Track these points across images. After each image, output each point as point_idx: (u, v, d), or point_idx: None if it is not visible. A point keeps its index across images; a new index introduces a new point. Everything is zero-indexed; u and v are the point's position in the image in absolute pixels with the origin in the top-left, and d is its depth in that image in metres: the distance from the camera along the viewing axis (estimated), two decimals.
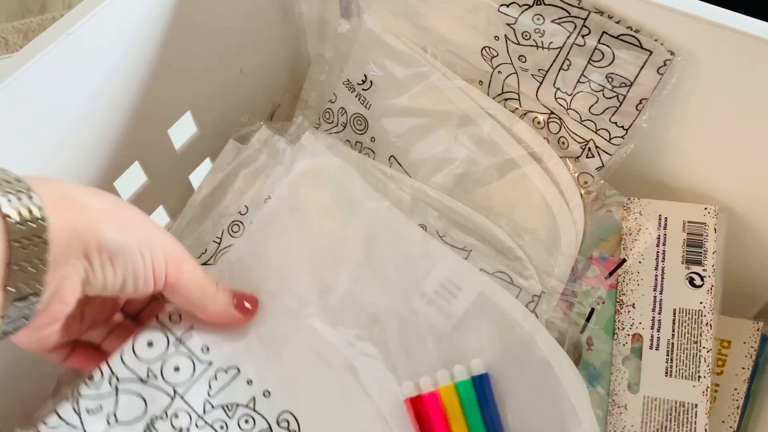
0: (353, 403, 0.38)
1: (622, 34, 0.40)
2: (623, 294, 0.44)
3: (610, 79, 0.41)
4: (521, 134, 0.46)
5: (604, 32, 0.40)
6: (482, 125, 0.47)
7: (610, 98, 0.42)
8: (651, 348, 0.43)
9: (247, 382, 0.38)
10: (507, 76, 0.46)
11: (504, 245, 0.45)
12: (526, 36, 0.43)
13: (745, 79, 0.38)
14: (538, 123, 0.46)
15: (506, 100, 0.47)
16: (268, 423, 0.37)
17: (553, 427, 0.37)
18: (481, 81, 0.48)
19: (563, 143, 0.46)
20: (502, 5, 0.42)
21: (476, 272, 0.41)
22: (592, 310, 0.44)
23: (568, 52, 0.42)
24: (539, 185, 0.45)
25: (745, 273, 0.47)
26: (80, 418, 0.35)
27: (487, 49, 0.45)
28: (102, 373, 0.36)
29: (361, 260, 0.42)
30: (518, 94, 0.46)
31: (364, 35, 0.51)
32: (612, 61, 0.40)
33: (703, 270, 0.43)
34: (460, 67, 0.48)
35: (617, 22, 0.40)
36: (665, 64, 0.39)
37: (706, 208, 0.44)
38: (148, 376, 0.36)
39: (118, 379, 0.36)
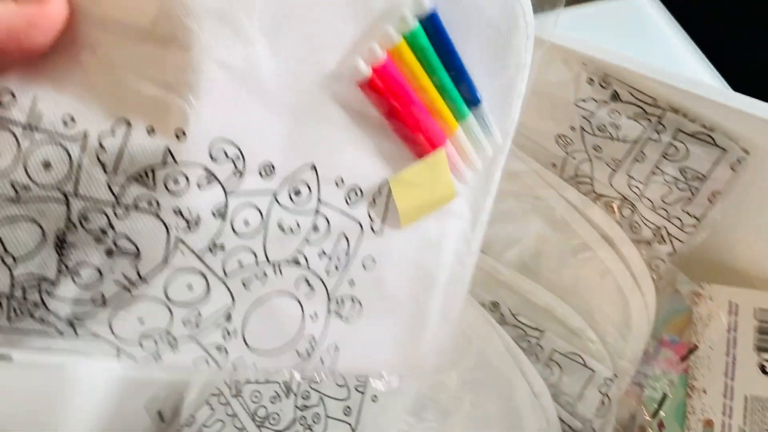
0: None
1: (697, 132, 0.41)
2: (694, 379, 0.45)
3: (683, 173, 0.43)
4: (594, 217, 0.48)
5: (679, 129, 0.42)
6: (555, 206, 0.49)
7: (683, 190, 0.43)
8: None
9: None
10: (581, 162, 0.48)
11: (576, 326, 0.46)
12: (601, 128, 0.45)
13: None
14: (611, 207, 0.48)
15: (579, 183, 0.49)
16: None
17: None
18: (554, 164, 0.50)
19: (635, 228, 0.47)
20: (579, 100, 0.44)
21: None
22: (665, 395, 0.45)
23: (643, 146, 0.44)
24: (612, 268, 0.46)
25: None
26: None
27: (562, 136, 0.47)
28: None
29: None
30: (591, 179, 0.48)
31: None
32: (686, 157, 0.42)
33: None
34: (534, 151, 0.50)
35: (692, 121, 0.41)
36: (739, 162, 0.41)
37: None
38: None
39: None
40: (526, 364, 0.45)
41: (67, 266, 0.26)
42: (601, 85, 0.43)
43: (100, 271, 0.27)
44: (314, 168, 0.30)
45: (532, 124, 0.48)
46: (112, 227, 0.26)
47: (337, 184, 0.31)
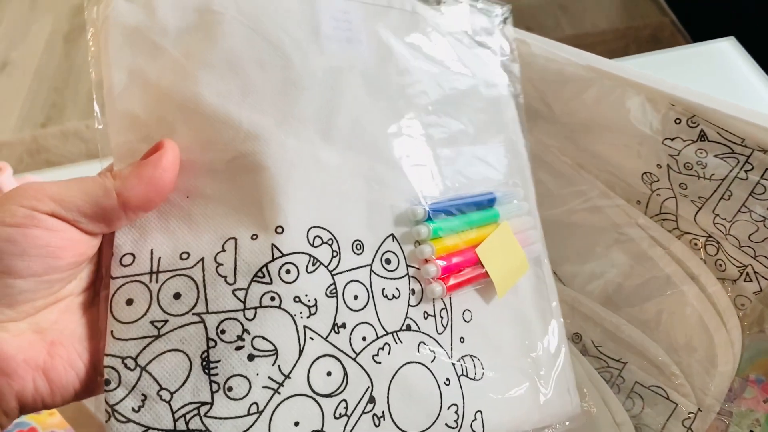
0: None
1: None
2: None
3: None
4: (678, 253, 0.49)
5: (767, 169, 0.43)
6: (639, 242, 0.50)
7: None
8: None
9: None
10: (665, 199, 0.49)
11: (659, 360, 0.47)
12: (688, 167, 0.46)
13: None
14: (695, 244, 0.49)
15: (663, 220, 0.50)
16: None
17: None
18: (639, 201, 0.51)
19: (720, 266, 0.48)
20: (666, 139, 0.46)
21: None
22: None
23: (730, 185, 0.45)
24: (696, 305, 0.47)
25: None
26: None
27: (648, 174, 0.49)
28: (112, 371, 0.28)
29: None
30: (676, 216, 0.49)
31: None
32: None
33: None
34: (619, 187, 0.51)
35: None
36: None
37: None
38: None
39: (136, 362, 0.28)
40: (609, 393, 0.46)
41: (218, 384, 0.28)
42: (689, 125, 0.45)
43: (248, 379, 0.28)
44: (394, 237, 0.35)
45: (618, 161, 0.50)
46: (247, 330, 0.29)
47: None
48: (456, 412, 0.34)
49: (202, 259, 0.30)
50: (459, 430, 0.34)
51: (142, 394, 0.27)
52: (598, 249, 0.52)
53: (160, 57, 0.32)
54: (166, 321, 0.29)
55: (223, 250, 0.30)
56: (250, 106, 0.32)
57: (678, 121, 0.45)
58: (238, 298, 0.29)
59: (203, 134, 0.31)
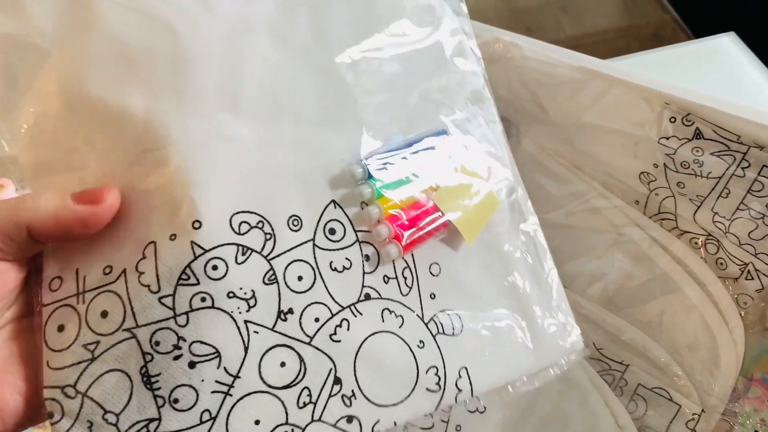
0: None
1: None
2: None
3: None
4: (678, 253, 0.48)
5: (764, 166, 0.42)
6: (639, 243, 0.49)
7: None
8: None
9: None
10: (664, 199, 0.49)
11: (661, 361, 0.46)
12: (684, 165, 0.46)
13: None
14: (696, 244, 0.48)
15: (663, 220, 0.50)
16: None
17: None
18: (637, 201, 0.51)
19: (721, 264, 0.47)
20: (662, 138, 0.46)
21: None
22: None
23: (727, 182, 0.44)
24: (698, 304, 0.47)
25: None
26: None
27: (645, 174, 0.48)
28: (53, 402, 0.27)
29: None
30: (675, 216, 0.49)
31: (521, 155, 0.56)
32: None
33: None
34: (617, 188, 0.51)
35: None
36: None
37: None
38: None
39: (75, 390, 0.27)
40: (611, 396, 0.46)
41: (162, 397, 0.27)
42: (684, 124, 0.45)
43: (193, 387, 0.27)
44: (335, 203, 0.31)
45: (615, 161, 0.50)
46: (182, 338, 0.27)
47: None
48: (437, 374, 0.31)
49: (124, 271, 0.28)
50: (443, 392, 0.31)
51: (88, 421, 0.26)
52: (598, 250, 0.51)
53: (47, 61, 0.29)
54: (98, 342, 0.27)
55: (144, 257, 0.28)
56: (143, 93, 0.29)
57: (673, 119, 0.45)
58: (166, 306, 0.27)
59: (105, 137, 0.29)
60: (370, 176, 0.32)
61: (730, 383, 0.45)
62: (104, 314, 0.27)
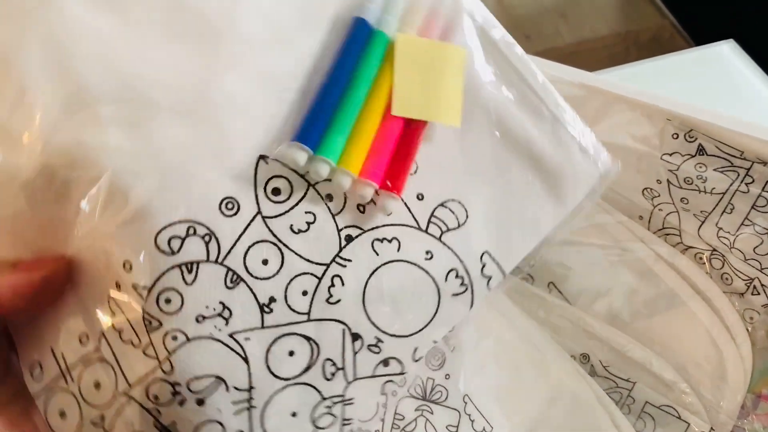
0: None
1: None
2: None
3: None
4: (683, 268, 0.48)
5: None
6: (644, 258, 0.49)
7: None
8: None
9: None
10: (668, 214, 0.48)
11: (668, 378, 0.46)
12: (688, 181, 0.45)
13: None
14: (700, 259, 0.48)
15: (667, 235, 0.49)
16: None
17: None
18: (641, 216, 0.50)
19: (727, 279, 0.47)
20: (664, 154, 0.45)
21: None
22: None
23: (731, 198, 0.44)
24: (704, 320, 0.46)
25: None
26: None
27: (648, 189, 0.48)
28: None
29: None
30: (679, 231, 0.49)
31: None
32: None
33: None
34: (620, 203, 0.51)
35: None
36: None
37: None
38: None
39: None
40: (618, 415, 0.46)
41: None
42: (687, 140, 0.44)
43: (215, 421, 0.25)
44: (263, 158, 0.26)
45: (619, 178, 0.49)
46: (176, 383, 0.25)
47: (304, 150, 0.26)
48: (458, 276, 0.28)
49: (102, 334, 0.25)
50: (471, 288, 0.29)
51: None
52: (602, 266, 0.51)
53: None
54: (103, 416, 0.25)
55: (113, 314, 0.25)
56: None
57: (675, 136, 0.45)
58: (150, 356, 0.24)
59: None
60: (312, 148, 0.26)
61: (738, 400, 0.45)
62: (97, 385, 0.25)
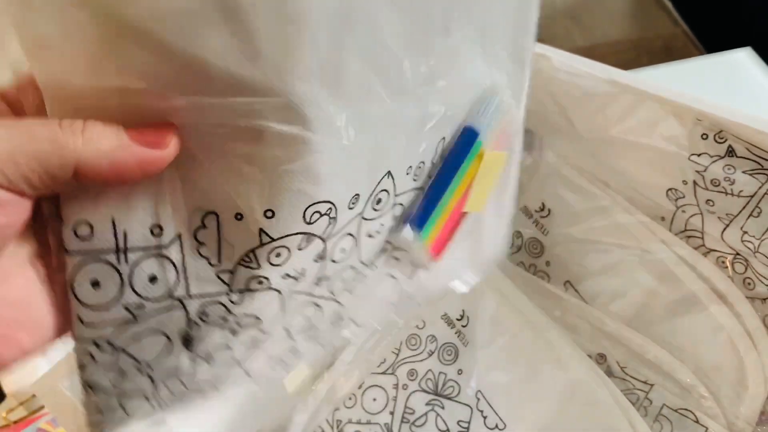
0: None
1: None
2: None
3: None
4: (705, 272, 0.47)
5: None
6: (664, 260, 0.49)
7: None
8: None
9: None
10: (691, 216, 0.48)
11: (687, 381, 0.46)
12: (715, 183, 0.45)
13: None
14: (722, 262, 0.48)
15: (689, 237, 0.49)
16: None
17: None
18: (663, 217, 0.50)
19: (749, 284, 0.47)
20: (692, 154, 0.45)
21: None
22: None
23: (759, 201, 0.43)
24: (725, 324, 0.46)
25: None
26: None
27: (673, 190, 0.48)
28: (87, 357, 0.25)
29: None
30: (702, 233, 0.48)
31: (545, 167, 0.55)
32: None
33: None
34: (642, 204, 0.50)
35: None
36: None
37: None
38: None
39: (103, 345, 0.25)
40: (636, 416, 0.45)
41: (199, 355, 0.27)
42: (716, 141, 0.44)
43: (228, 346, 0.28)
44: (390, 174, 0.29)
45: (642, 177, 0.49)
46: (231, 312, 0.27)
47: (407, 173, 0.31)
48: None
49: (179, 236, 0.25)
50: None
51: (121, 369, 0.26)
52: (622, 267, 0.50)
53: None
54: (142, 306, 0.25)
55: (203, 227, 0.25)
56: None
57: (705, 136, 0.44)
58: (223, 281, 0.26)
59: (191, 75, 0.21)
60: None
61: (758, 406, 0.44)
62: (152, 279, 0.25)
